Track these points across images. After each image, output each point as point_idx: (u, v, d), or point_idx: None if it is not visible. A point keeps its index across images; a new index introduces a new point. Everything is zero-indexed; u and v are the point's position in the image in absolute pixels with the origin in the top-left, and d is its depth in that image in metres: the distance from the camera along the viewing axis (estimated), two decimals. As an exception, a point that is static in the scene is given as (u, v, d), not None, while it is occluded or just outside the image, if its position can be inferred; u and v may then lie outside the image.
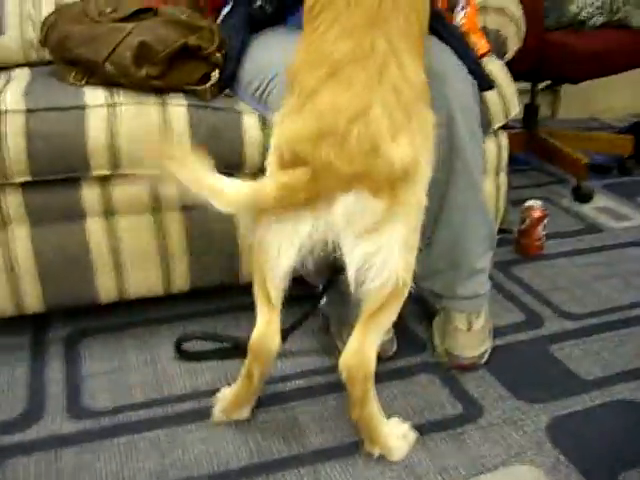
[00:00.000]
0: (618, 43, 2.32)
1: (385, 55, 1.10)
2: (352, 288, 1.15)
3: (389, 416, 1.30)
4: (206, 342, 1.55)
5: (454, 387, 1.45)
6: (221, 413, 1.33)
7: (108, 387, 1.43)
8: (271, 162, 1.17)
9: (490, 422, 1.35)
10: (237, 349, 1.51)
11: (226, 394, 1.34)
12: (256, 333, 1.24)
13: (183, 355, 1.52)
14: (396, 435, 1.28)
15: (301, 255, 1.15)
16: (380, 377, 1.45)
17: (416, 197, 1.14)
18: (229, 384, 1.41)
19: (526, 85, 2.56)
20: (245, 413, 1.33)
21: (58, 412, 1.36)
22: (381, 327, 1.22)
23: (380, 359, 1.48)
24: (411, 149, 1.09)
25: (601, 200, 2.43)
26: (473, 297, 1.50)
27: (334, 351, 1.47)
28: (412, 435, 1.30)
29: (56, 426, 1.32)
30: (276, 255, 1.16)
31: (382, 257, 1.12)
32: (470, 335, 1.49)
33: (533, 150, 2.65)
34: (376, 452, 1.25)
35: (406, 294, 1.19)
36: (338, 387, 1.41)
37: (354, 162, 1.06)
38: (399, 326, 1.46)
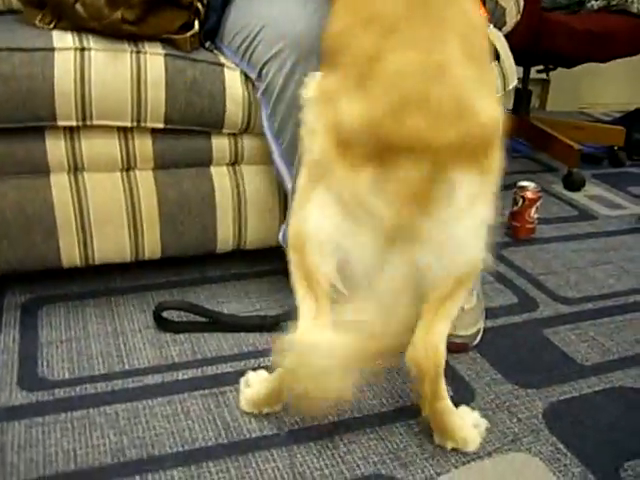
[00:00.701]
0: (617, 27, 2.24)
1: (441, 2, 0.93)
2: (419, 276, 0.99)
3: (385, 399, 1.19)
4: (181, 314, 1.43)
5: (445, 369, 1.34)
6: (251, 405, 1.18)
7: (66, 357, 1.30)
8: (323, 148, 0.96)
9: (482, 407, 1.25)
10: (218, 324, 1.41)
11: (257, 383, 1.19)
12: (302, 330, 1.05)
13: (161, 324, 1.40)
14: (468, 425, 1.16)
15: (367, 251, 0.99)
16: (364, 355, 1.36)
17: (497, 164, 0.97)
18: (200, 358, 1.31)
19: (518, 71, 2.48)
20: (278, 407, 1.18)
21: (9, 382, 1.23)
22: (451, 315, 1.06)
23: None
24: (494, 104, 0.93)
25: (592, 189, 2.36)
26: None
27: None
28: (483, 423, 1.18)
29: (5, 397, 1.19)
30: (348, 247, 0.99)
31: (463, 241, 0.97)
32: (462, 314, 1.38)
33: (524, 137, 2.56)
34: (449, 446, 1.13)
35: (477, 277, 1.07)
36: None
37: (449, 129, 0.89)
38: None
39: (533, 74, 2.59)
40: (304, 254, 1.02)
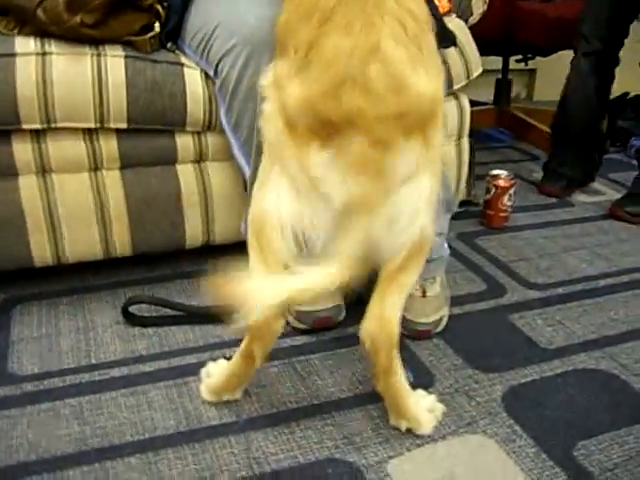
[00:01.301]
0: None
1: None
2: (370, 249, 1.02)
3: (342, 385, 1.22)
4: (151, 308, 1.47)
5: (406, 355, 1.36)
6: (211, 393, 1.22)
7: (37, 353, 1.34)
8: (276, 131, 1.02)
9: (441, 392, 1.27)
10: (190, 317, 1.44)
11: (216, 372, 1.23)
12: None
13: (130, 319, 1.43)
14: (424, 407, 1.19)
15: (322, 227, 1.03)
16: (328, 345, 1.39)
17: (439, 139, 1.03)
18: (166, 351, 1.34)
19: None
20: (238, 394, 1.22)
21: (-22, 378, 1.27)
22: (404, 288, 1.10)
23: (328, 327, 1.43)
24: (431, 80, 0.98)
25: (573, 176, 2.36)
26: (427, 261, 1.42)
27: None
28: (440, 408, 1.21)
29: (-25, 392, 1.23)
30: (295, 228, 1.03)
31: (410, 210, 1.01)
32: (424, 301, 1.41)
33: (505, 126, 2.58)
34: (403, 426, 1.16)
35: (429, 252, 1.10)
36: (275, 354, 1.34)
37: (384, 103, 0.94)
38: (348, 293, 1.38)
39: (518, 64, 2.59)
40: (263, 238, 1.06)
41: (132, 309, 1.44)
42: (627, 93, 2.75)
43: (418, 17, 1.01)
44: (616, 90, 2.96)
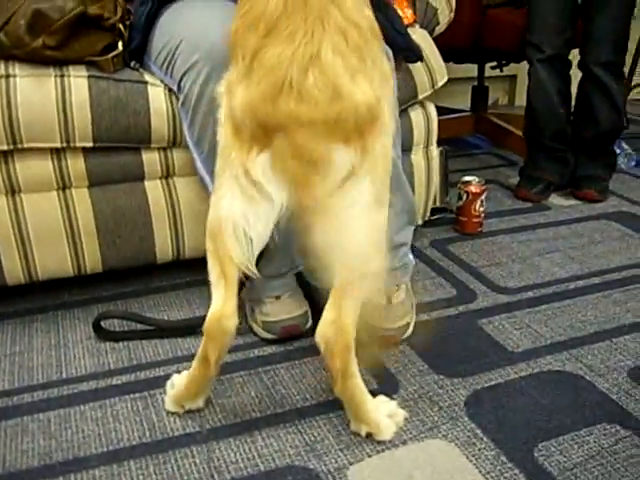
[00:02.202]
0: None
1: (320, 3, 1.02)
2: (320, 255, 1.06)
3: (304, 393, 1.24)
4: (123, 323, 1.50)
5: (376, 364, 1.38)
6: (174, 403, 1.24)
7: (8, 370, 1.36)
8: (226, 135, 1.08)
9: (404, 398, 1.28)
10: (161, 331, 1.46)
11: (178, 382, 1.25)
12: (212, 313, 1.14)
13: (101, 334, 1.46)
14: (383, 413, 1.20)
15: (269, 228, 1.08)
16: (294, 354, 1.41)
17: (383, 146, 1.06)
18: (135, 364, 1.36)
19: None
20: (200, 402, 1.23)
21: (-51, 397, 1.29)
22: (358, 293, 1.11)
23: (295, 335, 1.44)
24: (371, 89, 1.02)
25: (551, 179, 2.37)
26: (391, 270, 1.44)
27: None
28: (401, 413, 1.22)
29: (-56, 410, 1.25)
30: (250, 226, 1.07)
31: (351, 215, 1.04)
32: (390, 308, 1.43)
33: (482, 133, 2.60)
34: (363, 431, 1.17)
35: (380, 255, 1.11)
36: (241, 365, 1.37)
37: (320, 109, 0.99)
38: (315, 301, 1.41)
39: (500, 71, 2.61)
40: (218, 241, 1.10)
41: (104, 324, 1.46)
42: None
43: (362, 28, 1.05)
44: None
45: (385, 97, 1.06)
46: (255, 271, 1.10)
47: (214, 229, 1.11)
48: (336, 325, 1.10)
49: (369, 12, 1.09)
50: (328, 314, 1.11)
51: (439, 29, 1.86)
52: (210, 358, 1.16)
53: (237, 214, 1.07)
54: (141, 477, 1.10)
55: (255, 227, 1.07)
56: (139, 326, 1.47)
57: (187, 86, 1.37)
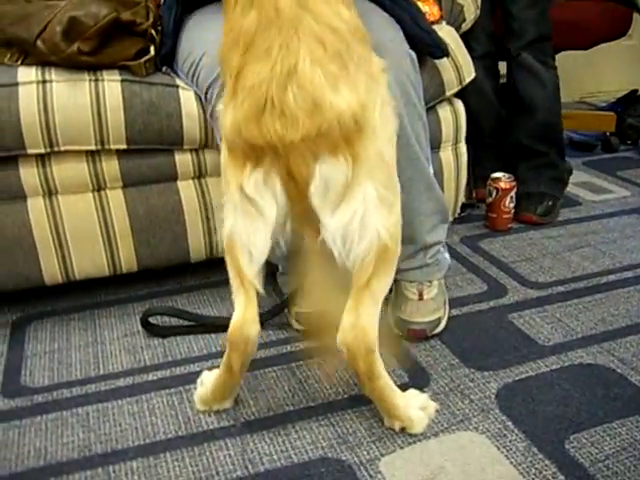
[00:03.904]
0: (589, 14, 2.26)
1: (292, 12, 1.02)
2: (338, 261, 1.08)
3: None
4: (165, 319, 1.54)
5: (403, 357, 1.40)
6: (202, 403, 1.26)
7: (47, 366, 1.40)
8: (223, 153, 1.12)
9: (435, 391, 1.29)
10: (204, 327, 1.50)
11: (206, 381, 1.27)
12: (234, 322, 1.15)
13: (149, 329, 1.50)
14: (415, 406, 1.21)
15: (275, 238, 1.10)
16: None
17: (376, 149, 1.06)
18: (170, 360, 1.40)
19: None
20: (227, 404, 1.25)
21: (-7, 391, 1.34)
22: (376, 295, 1.12)
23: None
24: (355, 95, 1.02)
25: (580, 176, 2.37)
26: (423, 266, 1.45)
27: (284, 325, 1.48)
28: (432, 406, 1.23)
29: (-12, 405, 1.30)
30: (250, 241, 1.10)
31: (359, 221, 1.05)
32: (421, 304, 1.44)
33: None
34: (397, 427, 1.19)
35: (398, 254, 1.13)
36: (275, 360, 1.40)
37: (301, 126, 0.99)
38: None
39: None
40: (232, 254, 1.12)
41: (151, 320, 1.50)
42: (636, 90, 2.75)
43: (340, 31, 1.04)
44: (625, 88, 2.96)
45: (374, 101, 1.06)
46: (259, 287, 1.13)
47: (227, 243, 1.14)
48: (356, 329, 1.10)
49: (348, 13, 1.08)
50: (347, 318, 1.11)
51: (465, 26, 1.86)
52: (234, 366, 1.17)
53: (240, 229, 1.10)
54: (177, 469, 1.13)
55: (255, 242, 1.09)
56: (182, 322, 1.51)
57: (213, 99, 1.40)
